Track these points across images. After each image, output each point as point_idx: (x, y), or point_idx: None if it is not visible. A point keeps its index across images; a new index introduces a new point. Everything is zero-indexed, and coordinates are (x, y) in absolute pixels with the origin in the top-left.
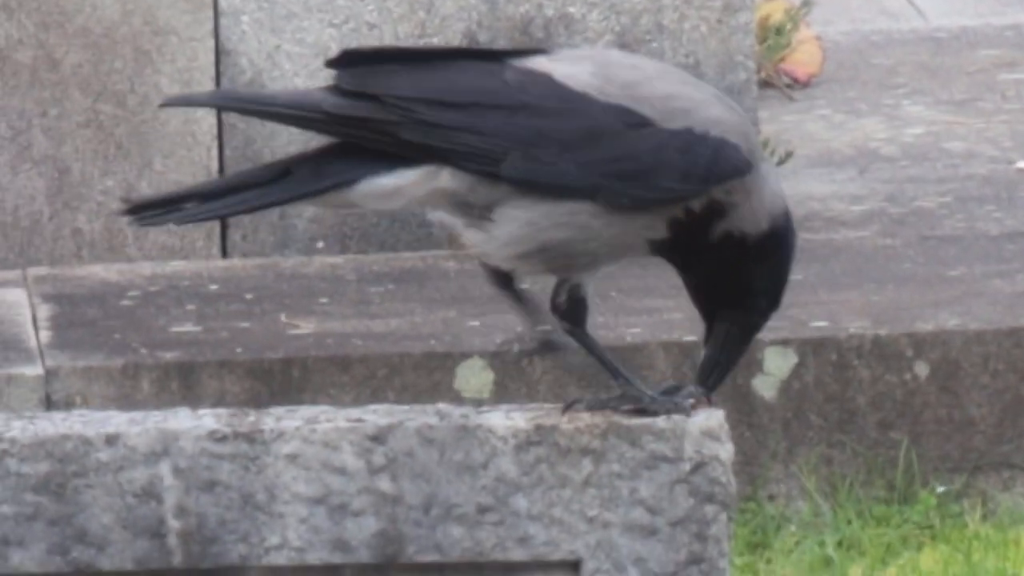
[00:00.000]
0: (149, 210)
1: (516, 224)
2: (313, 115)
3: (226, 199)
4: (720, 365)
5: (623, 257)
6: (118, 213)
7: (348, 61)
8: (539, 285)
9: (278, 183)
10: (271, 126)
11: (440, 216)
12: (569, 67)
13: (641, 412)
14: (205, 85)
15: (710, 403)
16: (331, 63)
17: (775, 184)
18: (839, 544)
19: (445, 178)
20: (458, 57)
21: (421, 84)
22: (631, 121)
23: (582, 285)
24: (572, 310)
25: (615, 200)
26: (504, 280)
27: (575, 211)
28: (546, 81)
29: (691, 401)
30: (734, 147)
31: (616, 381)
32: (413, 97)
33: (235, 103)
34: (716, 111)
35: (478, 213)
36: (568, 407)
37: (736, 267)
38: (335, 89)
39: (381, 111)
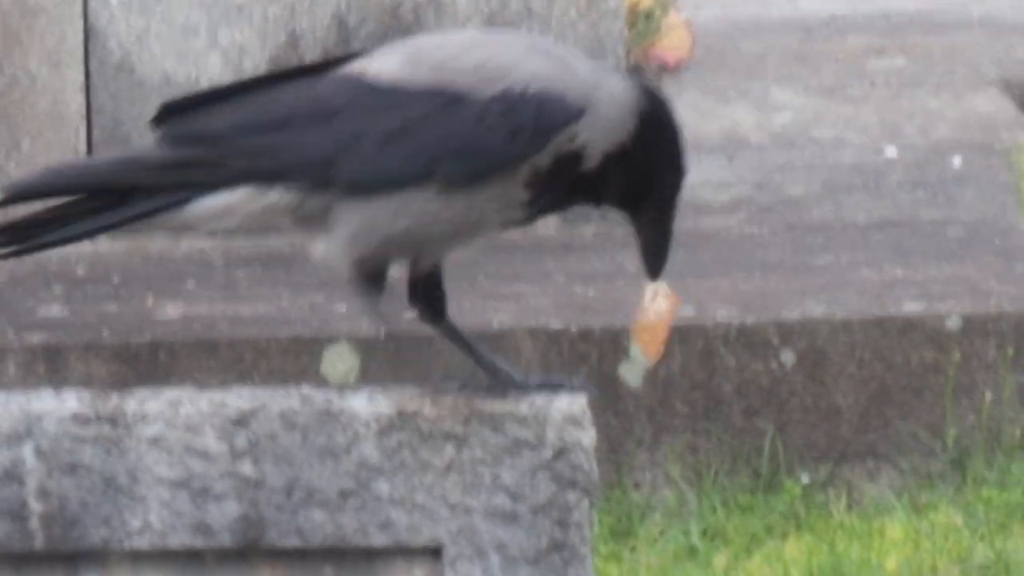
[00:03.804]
0: None
1: (354, 225)
2: (141, 172)
3: (64, 228)
4: (658, 246)
5: (486, 231)
6: None
7: (169, 112)
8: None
9: (114, 208)
10: (139, 108)
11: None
12: (378, 64)
13: (513, 393)
14: (74, 67)
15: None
16: (154, 121)
17: (619, 84)
18: (704, 533)
19: (275, 192)
20: (276, 81)
21: (238, 115)
22: (445, 100)
23: (436, 274)
24: (429, 302)
25: (451, 181)
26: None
27: (409, 200)
28: (356, 83)
29: (562, 386)
30: (558, 97)
31: (484, 368)
32: (233, 129)
33: (63, 180)
34: (533, 65)
35: (316, 223)
36: (439, 388)
37: (629, 172)
38: (158, 142)
39: (205, 150)
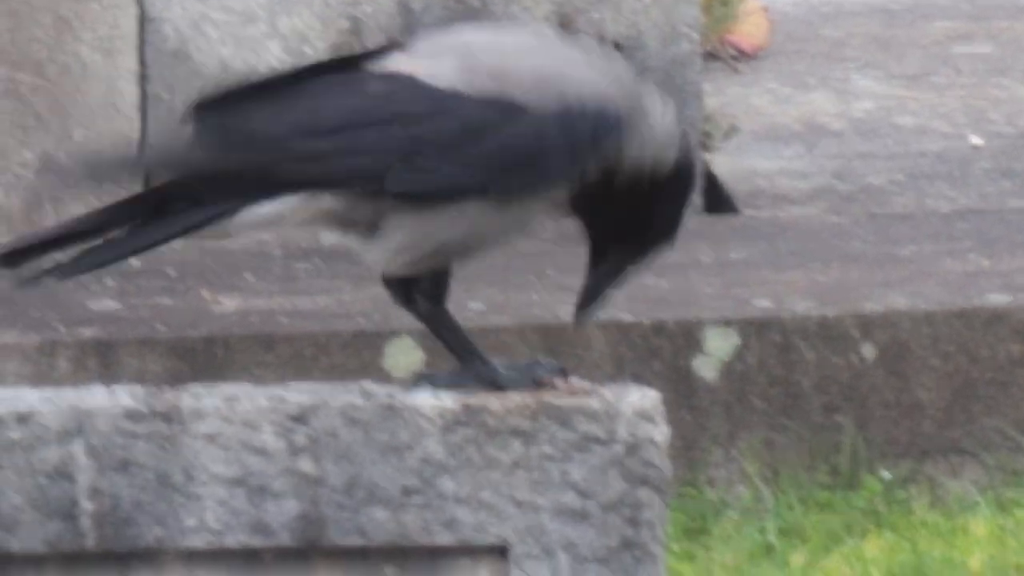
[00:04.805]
0: (22, 257)
1: (405, 232)
2: (182, 175)
3: (108, 246)
4: (602, 296)
5: (524, 234)
6: None
7: (202, 110)
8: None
9: (159, 220)
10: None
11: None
12: (431, 64)
13: (495, 389)
14: (128, 54)
15: (566, 379)
16: (185, 119)
17: (668, 116)
18: (781, 531)
19: (327, 200)
20: (312, 75)
21: (286, 117)
22: (506, 111)
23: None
24: (435, 287)
25: (506, 194)
26: (406, 297)
27: (464, 210)
28: (411, 85)
29: (546, 376)
30: (611, 110)
31: (467, 359)
32: (282, 132)
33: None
34: (586, 74)
35: (365, 227)
36: (415, 382)
37: (641, 206)
38: (197, 143)
39: (252, 155)
